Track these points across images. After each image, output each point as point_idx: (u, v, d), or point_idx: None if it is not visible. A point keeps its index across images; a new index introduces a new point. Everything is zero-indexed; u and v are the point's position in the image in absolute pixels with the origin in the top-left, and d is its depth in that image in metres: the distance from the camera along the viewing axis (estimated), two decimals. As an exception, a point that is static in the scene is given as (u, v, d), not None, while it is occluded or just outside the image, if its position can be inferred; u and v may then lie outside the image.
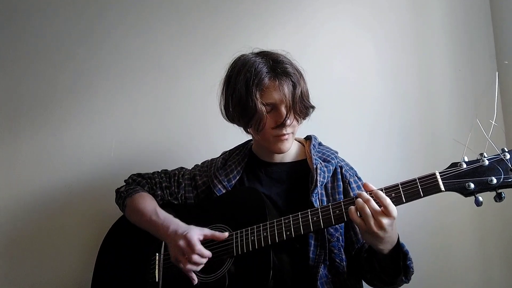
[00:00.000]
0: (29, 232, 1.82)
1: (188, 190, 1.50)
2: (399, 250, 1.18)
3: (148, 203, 1.42)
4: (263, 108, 1.28)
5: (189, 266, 1.24)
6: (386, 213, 1.08)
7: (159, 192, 1.50)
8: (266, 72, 1.28)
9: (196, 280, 1.26)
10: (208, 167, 1.52)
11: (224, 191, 1.42)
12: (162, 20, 1.92)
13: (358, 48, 1.86)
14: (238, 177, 1.45)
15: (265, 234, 1.22)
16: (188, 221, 1.32)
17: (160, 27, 1.91)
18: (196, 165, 1.58)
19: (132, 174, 1.59)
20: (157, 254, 1.38)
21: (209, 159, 1.58)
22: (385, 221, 1.08)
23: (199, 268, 1.25)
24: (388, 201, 1.09)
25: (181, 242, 1.24)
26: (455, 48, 1.81)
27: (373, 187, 1.15)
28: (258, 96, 1.27)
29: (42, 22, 1.92)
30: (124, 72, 1.90)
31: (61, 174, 1.85)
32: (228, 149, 1.57)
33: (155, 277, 1.34)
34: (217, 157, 1.55)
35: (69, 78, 1.90)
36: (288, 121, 1.30)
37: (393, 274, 1.20)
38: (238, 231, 1.27)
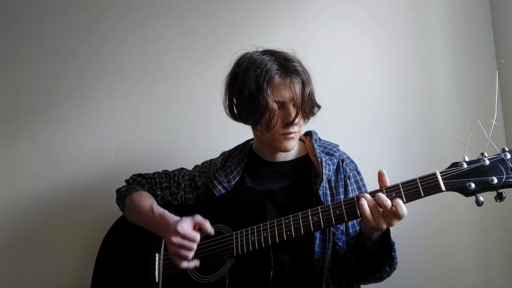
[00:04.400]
0: (29, 232, 1.82)
1: (188, 191, 1.50)
2: (388, 237, 1.19)
3: (145, 201, 1.42)
4: (275, 105, 1.28)
5: (192, 254, 1.23)
6: (398, 217, 1.09)
7: (159, 192, 1.50)
8: (277, 69, 1.28)
9: (190, 262, 1.25)
10: (207, 167, 1.52)
11: (224, 192, 1.42)
12: (162, 21, 1.92)
13: (358, 48, 1.86)
14: (238, 178, 1.45)
15: (265, 234, 1.22)
16: (188, 222, 1.33)
17: (160, 28, 1.91)
18: (196, 166, 1.57)
19: (133, 174, 1.59)
20: (157, 254, 1.38)
21: (208, 159, 1.57)
22: (395, 221, 1.10)
23: (191, 253, 1.24)
24: (404, 210, 1.08)
25: (175, 239, 1.24)
26: (455, 48, 1.81)
27: (387, 181, 1.14)
28: (269, 92, 1.27)
29: (43, 23, 1.92)
30: (125, 73, 1.90)
31: (61, 174, 1.85)
32: (227, 150, 1.57)
33: (155, 278, 1.34)
34: (216, 158, 1.55)
35: (69, 79, 1.90)
36: (297, 120, 1.30)
37: (380, 259, 1.20)
38: (238, 231, 1.27)
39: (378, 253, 1.21)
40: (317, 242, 1.29)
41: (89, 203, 1.83)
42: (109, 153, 1.86)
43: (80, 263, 1.79)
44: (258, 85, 1.27)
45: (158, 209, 1.37)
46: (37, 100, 1.88)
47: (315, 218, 1.18)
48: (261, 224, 1.23)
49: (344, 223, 1.34)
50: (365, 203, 1.11)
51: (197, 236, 1.26)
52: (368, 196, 1.13)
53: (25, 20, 1.92)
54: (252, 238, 1.23)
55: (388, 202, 1.09)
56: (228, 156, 1.52)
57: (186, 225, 1.25)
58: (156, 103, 1.89)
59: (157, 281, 1.33)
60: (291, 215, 1.22)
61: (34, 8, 1.92)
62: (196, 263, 1.26)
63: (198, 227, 1.29)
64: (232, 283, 1.24)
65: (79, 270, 1.79)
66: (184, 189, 1.50)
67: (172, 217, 1.31)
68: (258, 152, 1.49)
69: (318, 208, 1.19)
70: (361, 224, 1.18)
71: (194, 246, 1.25)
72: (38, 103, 1.88)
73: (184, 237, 1.24)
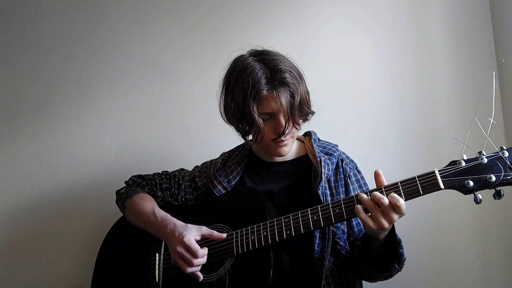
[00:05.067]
0: (29, 233, 1.82)
1: (188, 192, 1.50)
2: (394, 236, 1.19)
3: (147, 204, 1.42)
4: (261, 120, 1.28)
5: (190, 270, 1.24)
6: (398, 212, 1.09)
7: (159, 194, 1.50)
8: (265, 83, 1.25)
9: (201, 277, 1.26)
10: (207, 168, 1.52)
11: (224, 192, 1.42)
12: (162, 21, 1.92)
13: (358, 48, 1.85)
14: (238, 178, 1.45)
15: (265, 233, 1.22)
16: (188, 222, 1.32)
17: (160, 28, 1.92)
18: (196, 167, 1.58)
19: (132, 176, 1.59)
20: (157, 254, 1.38)
21: (208, 160, 1.58)
22: (396, 217, 1.09)
23: (199, 267, 1.26)
24: (401, 201, 1.09)
25: (179, 249, 1.24)
26: (455, 48, 1.81)
27: (384, 180, 1.15)
28: (255, 108, 1.26)
29: (42, 24, 1.93)
30: (125, 73, 1.90)
31: (61, 175, 1.85)
32: (227, 150, 1.57)
33: (155, 277, 1.34)
34: (216, 158, 1.56)
35: (69, 79, 1.90)
36: (287, 130, 1.29)
37: (389, 259, 1.21)
38: (238, 231, 1.27)
39: (385, 252, 1.20)
40: (317, 241, 1.29)
41: (89, 204, 1.83)
42: (109, 153, 1.87)
43: (80, 264, 1.79)
44: (245, 99, 1.26)
45: (161, 213, 1.37)
46: (37, 100, 1.89)
47: (314, 217, 1.19)
48: (261, 223, 1.24)
49: (347, 222, 1.34)
50: (360, 210, 1.11)
51: (206, 251, 1.26)
52: (365, 196, 1.12)
53: (25, 20, 1.92)
54: (252, 237, 1.23)
55: (385, 200, 1.09)
56: (228, 157, 1.52)
57: (195, 244, 1.25)
58: (156, 103, 1.90)
59: (157, 281, 1.34)
60: (291, 214, 1.22)
61: (34, 8, 1.93)
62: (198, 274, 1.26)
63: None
64: (232, 282, 1.24)
65: (79, 270, 1.79)
66: (184, 189, 1.51)
67: (176, 223, 1.31)
68: (257, 153, 1.50)
69: (318, 207, 1.20)
70: (364, 226, 1.19)
71: (204, 261, 1.25)
72: (38, 103, 1.89)
73: (188, 249, 1.24)
